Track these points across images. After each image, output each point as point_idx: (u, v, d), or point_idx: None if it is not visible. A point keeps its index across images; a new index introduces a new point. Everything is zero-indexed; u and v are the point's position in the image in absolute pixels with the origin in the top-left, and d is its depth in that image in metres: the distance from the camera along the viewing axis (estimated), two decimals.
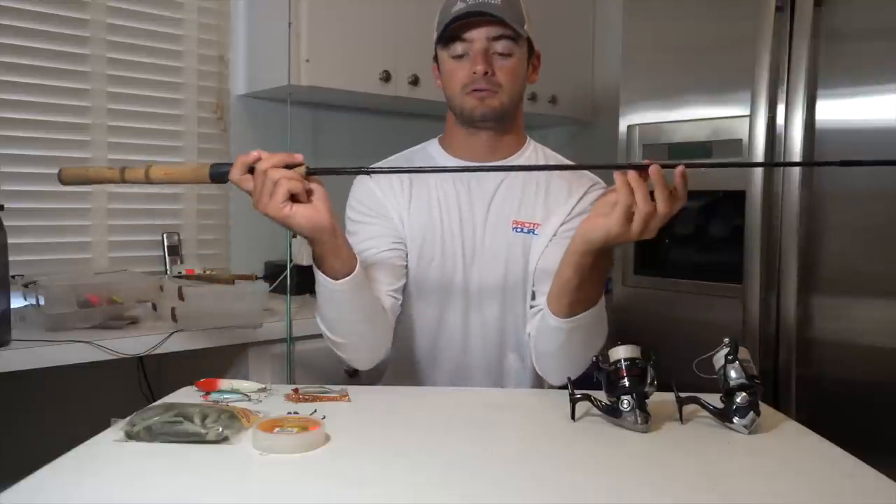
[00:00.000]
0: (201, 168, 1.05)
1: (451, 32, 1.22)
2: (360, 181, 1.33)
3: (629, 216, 0.98)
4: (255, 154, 1.02)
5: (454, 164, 1.31)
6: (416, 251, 1.28)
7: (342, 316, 1.16)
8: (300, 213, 1.01)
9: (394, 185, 1.30)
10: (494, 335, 1.30)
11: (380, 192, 1.30)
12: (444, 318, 1.30)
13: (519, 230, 1.28)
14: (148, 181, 1.05)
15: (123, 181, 1.06)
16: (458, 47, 1.22)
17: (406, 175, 1.30)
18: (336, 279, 1.10)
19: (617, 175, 0.98)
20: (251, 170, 1.02)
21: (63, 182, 1.10)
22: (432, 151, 1.35)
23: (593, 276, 1.09)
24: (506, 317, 1.29)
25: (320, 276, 1.11)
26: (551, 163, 1.34)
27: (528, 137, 1.36)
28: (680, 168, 0.98)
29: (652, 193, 0.98)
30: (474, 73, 1.21)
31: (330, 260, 1.09)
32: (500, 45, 1.22)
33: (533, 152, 1.34)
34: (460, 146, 1.31)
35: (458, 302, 1.29)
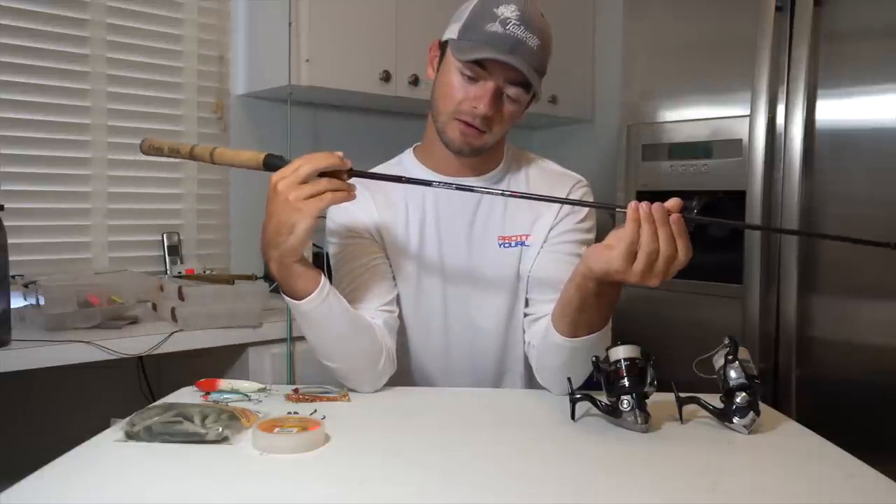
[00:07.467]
0: (258, 155, 1.09)
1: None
2: None
3: (632, 253, 0.94)
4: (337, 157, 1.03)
5: (436, 179, 1.21)
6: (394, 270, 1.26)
7: (326, 338, 1.14)
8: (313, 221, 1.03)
9: (367, 202, 1.25)
10: (485, 358, 1.28)
11: (353, 207, 1.24)
12: (429, 340, 1.28)
13: (507, 245, 1.25)
14: (211, 161, 1.13)
15: (191, 156, 1.13)
16: (472, 70, 1.14)
17: (378, 191, 1.26)
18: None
19: (630, 207, 0.95)
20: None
21: (143, 151, 1.17)
22: (408, 166, 1.30)
23: (598, 302, 1.05)
24: (500, 337, 1.27)
25: (291, 302, 1.10)
26: (532, 169, 1.30)
27: (508, 143, 1.31)
28: (675, 216, 0.95)
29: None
30: (474, 108, 1.14)
31: (294, 281, 1.08)
32: (512, 91, 1.15)
33: (513, 160, 1.30)
34: (441, 161, 1.26)
35: (438, 323, 1.26)
